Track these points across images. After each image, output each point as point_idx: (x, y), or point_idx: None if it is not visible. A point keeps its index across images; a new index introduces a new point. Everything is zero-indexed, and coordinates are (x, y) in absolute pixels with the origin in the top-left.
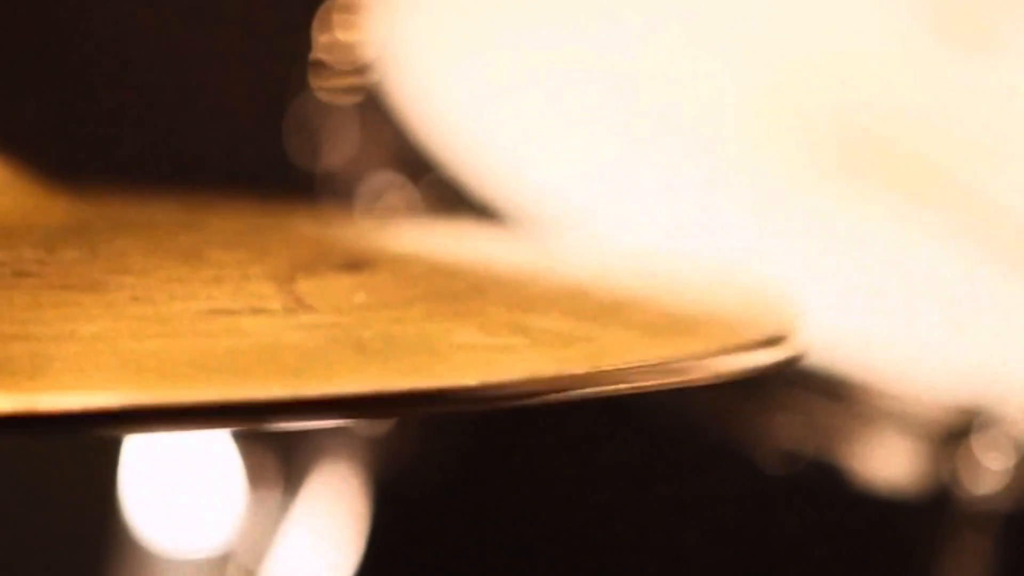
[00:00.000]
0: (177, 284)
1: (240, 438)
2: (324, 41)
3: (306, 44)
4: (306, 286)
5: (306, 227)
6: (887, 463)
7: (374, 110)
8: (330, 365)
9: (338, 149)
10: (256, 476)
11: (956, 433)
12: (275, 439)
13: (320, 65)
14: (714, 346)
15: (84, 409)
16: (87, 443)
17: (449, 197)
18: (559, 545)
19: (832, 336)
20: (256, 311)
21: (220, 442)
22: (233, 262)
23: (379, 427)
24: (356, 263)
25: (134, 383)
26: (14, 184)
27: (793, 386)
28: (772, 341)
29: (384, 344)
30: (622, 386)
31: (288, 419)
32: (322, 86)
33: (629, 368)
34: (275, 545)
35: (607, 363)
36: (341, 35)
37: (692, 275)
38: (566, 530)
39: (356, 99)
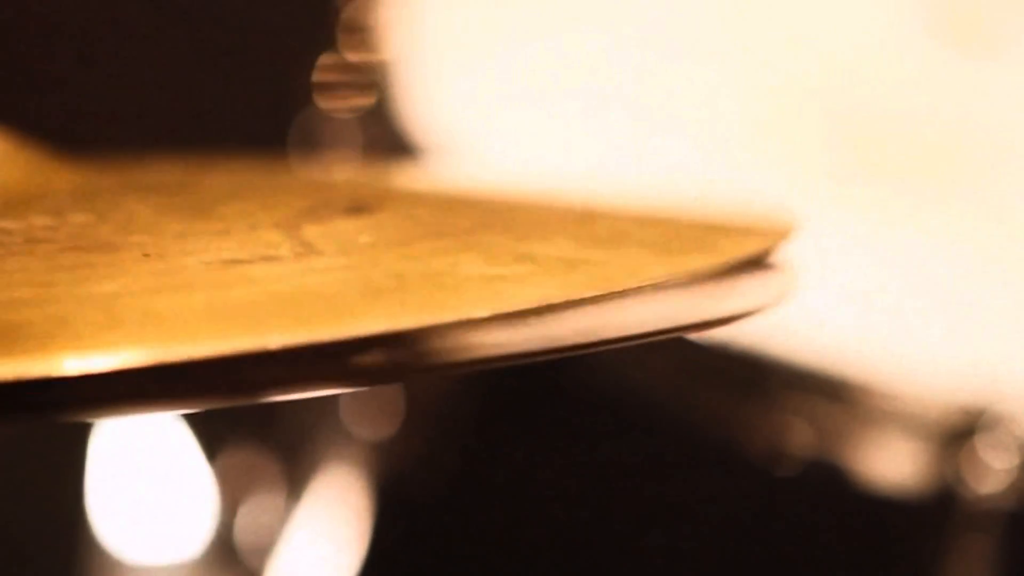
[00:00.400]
0: (187, 239)
1: (242, 439)
2: (328, 55)
3: (311, 57)
4: (312, 231)
5: (304, 177)
6: (890, 463)
7: (377, 123)
8: (344, 306)
9: (341, 162)
10: (260, 478)
11: (959, 433)
12: (277, 440)
13: (324, 78)
14: (721, 261)
15: (111, 369)
16: (53, 450)
17: None
18: (560, 547)
19: (832, 336)
20: (267, 259)
21: (187, 447)
22: (238, 214)
23: (382, 430)
24: (359, 207)
25: (156, 338)
26: (18, 156)
27: (795, 387)
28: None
29: (394, 282)
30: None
31: (309, 369)
32: (326, 99)
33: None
34: (279, 547)
35: (616, 284)
36: (345, 49)
37: (691, 200)
38: (567, 531)
39: (359, 112)
